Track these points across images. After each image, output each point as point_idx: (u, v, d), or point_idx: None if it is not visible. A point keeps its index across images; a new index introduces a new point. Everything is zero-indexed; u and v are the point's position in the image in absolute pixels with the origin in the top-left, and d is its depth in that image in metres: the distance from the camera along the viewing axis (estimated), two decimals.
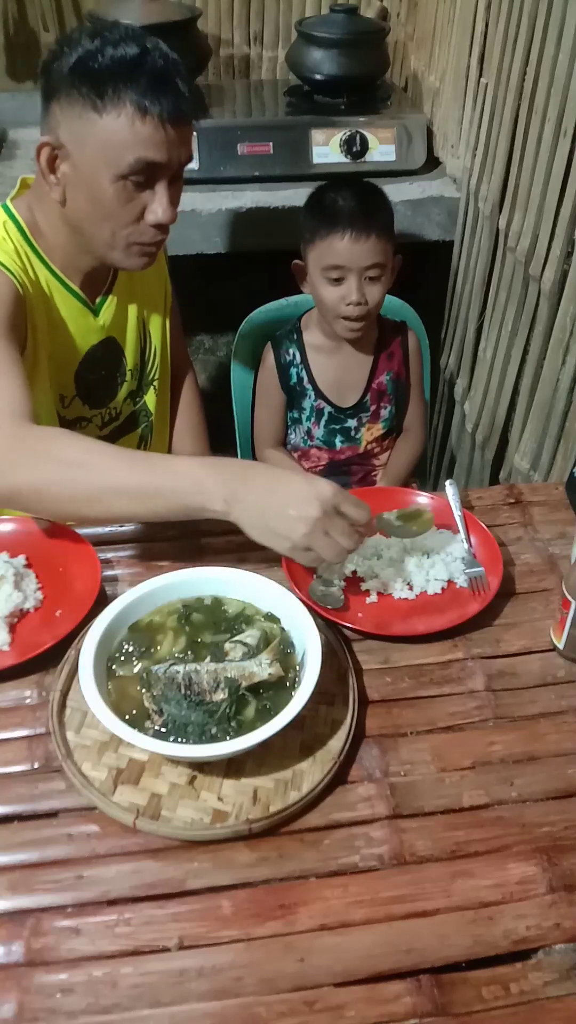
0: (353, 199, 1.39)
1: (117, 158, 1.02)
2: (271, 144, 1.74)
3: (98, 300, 1.24)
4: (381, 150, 1.78)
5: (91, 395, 1.28)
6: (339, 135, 1.74)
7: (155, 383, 1.38)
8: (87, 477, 0.88)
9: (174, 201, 1.10)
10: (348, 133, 1.74)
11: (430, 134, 1.86)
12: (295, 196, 1.67)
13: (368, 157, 1.77)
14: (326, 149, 1.76)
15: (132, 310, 1.30)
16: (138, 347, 1.33)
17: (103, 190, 1.05)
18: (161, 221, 1.08)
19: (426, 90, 1.95)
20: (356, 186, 1.43)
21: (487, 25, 1.56)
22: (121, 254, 1.13)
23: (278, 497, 0.86)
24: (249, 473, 0.89)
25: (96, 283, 1.23)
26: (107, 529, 1.10)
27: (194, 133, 1.11)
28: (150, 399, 1.39)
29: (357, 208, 1.38)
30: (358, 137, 1.74)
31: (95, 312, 1.24)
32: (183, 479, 0.88)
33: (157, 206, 1.07)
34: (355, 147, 1.75)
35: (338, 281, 1.40)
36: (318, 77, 1.82)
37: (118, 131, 1.01)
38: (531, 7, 1.36)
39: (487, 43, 1.57)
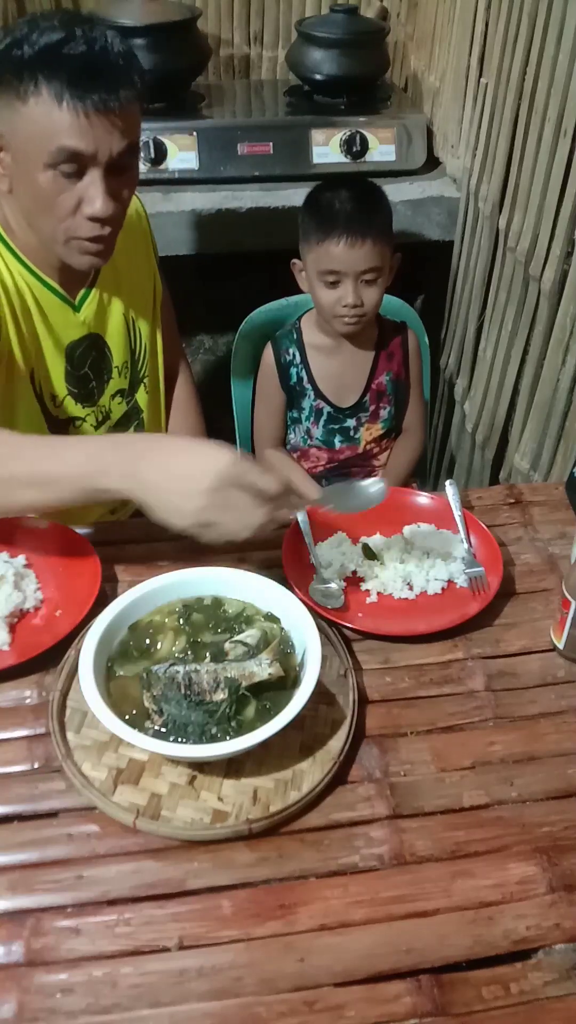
0: (350, 201, 1.39)
1: (41, 147, 0.99)
2: (271, 144, 1.74)
3: (80, 294, 1.22)
4: (381, 150, 1.78)
5: (80, 394, 1.26)
6: (339, 135, 1.74)
7: (145, 381, 1.36)
8: None
9: (115, 193, 1.04)
10: (348, 133, 1.74)
11: (430, 134, 1.86)
12: (295, 196, 1.67)
13: (368, 157, 1.77)
14: (326, 149, 1.76)
15: (117, 305, 1.27)
16: (126, 343, 1.30)
17: (37, 181, 1.02)
18: (96, 214, 1.03)
19: (426, 90, 1.95)
20: (353, 187, 1.43)
21: (487, 25, 1.56)
22: (65, 249, 1.09)
23: (175, 470, 0.83)
24: (149, 448, 0.86)
25: (76, 277, 1.20)
26: (107, 529, 1.09)
27: (139, 122, 1.05)
28: (141, 397, 1.37)
29: (353, 211, 1.37)
30: (358, 137, 1.74)
31: (75, 307, 1.21)
32: (82, 461, 0.86)
33: (93, 198, 1.03)
34: (355, 147, 1.75)
35: (334, 284, 1.40)
36: (318, 77, 1.81)
37: (38, 119, 0.98)
38: (531, 7, 1.36)
39: (487, 43, 1.57)
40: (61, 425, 1.26)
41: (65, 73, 0.96)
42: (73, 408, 1.26)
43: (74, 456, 0.87)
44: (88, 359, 1.26)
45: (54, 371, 1.22)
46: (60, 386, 1.23)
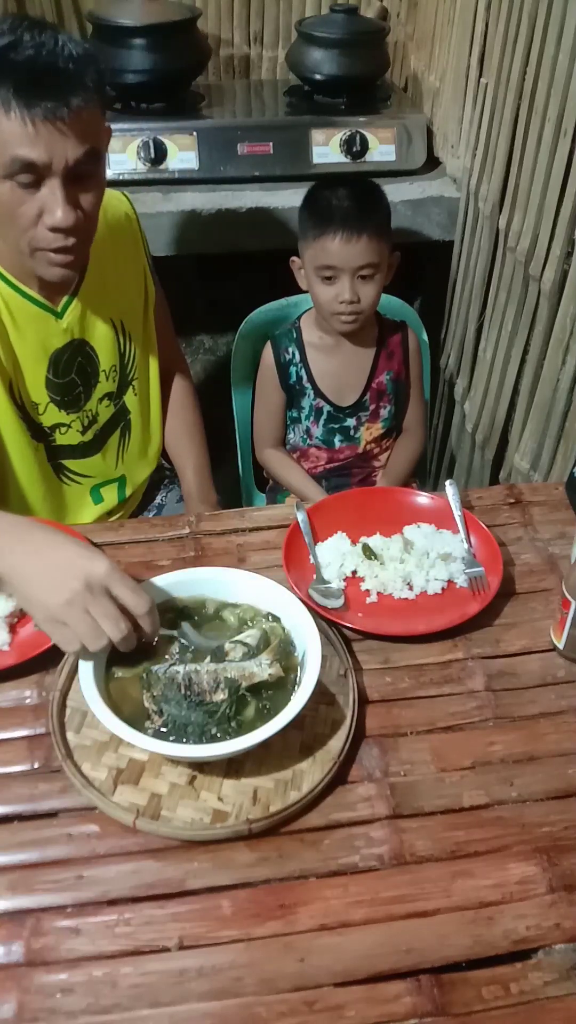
0: (347, 198, 1.39)
1: None
2: (271, 144, 1.74)
3: (62, 302, 1.19)
4: (381, 150, 1.78)
5: (63, 400, 1.24)
6: (339, 135, 1.74)
7: (135, 383, 1.35)
8: None
9: (75, 203, 1.01)
10: (348, 133, 1.74)
11: (430, 134, 1.86)
12: (295, 196, 1.66)
13: (368, 157, 1.77)
14: (326, 149, 1.76)
15: (104, 308, 1.25)
16: (114, 347, 1.28)
17: None
18: (57, 224, 1.00)
19: (426, 90, 1.95)
20: (350, 185, 1.43)
21: (487, 25, 1.56)
22: (32, 261, 1.07)
23: (44, 561, 0.80)
24: (26, 532, 0.84)
25: (57, 286, 1.17)
26: (107, 529, 1.09)
27: (102, 125, 1.03)
28: (129, 399, 1.35)
29: (349, 208, 1.38)
30: (358, 137, 1.74)
31: (58, 315, 1.19)
32: None
33: (52, 208, 1.00)
34: (355, 147, 1.75)
35: (331, 280, 1.41)
36: (318, 77, 1.81)
37: None
38: (531, 7, 1.36)
39: (487, 43, 1.57)
40: (44, 433, 1.24)
41: (11, 81, 0.93)
42: (56, 415, 1.24)
43: None
44: (74, 365, 1.24)
45: (34, 380, 1.20)
46: (41, 394, 1.22)
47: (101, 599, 0.79)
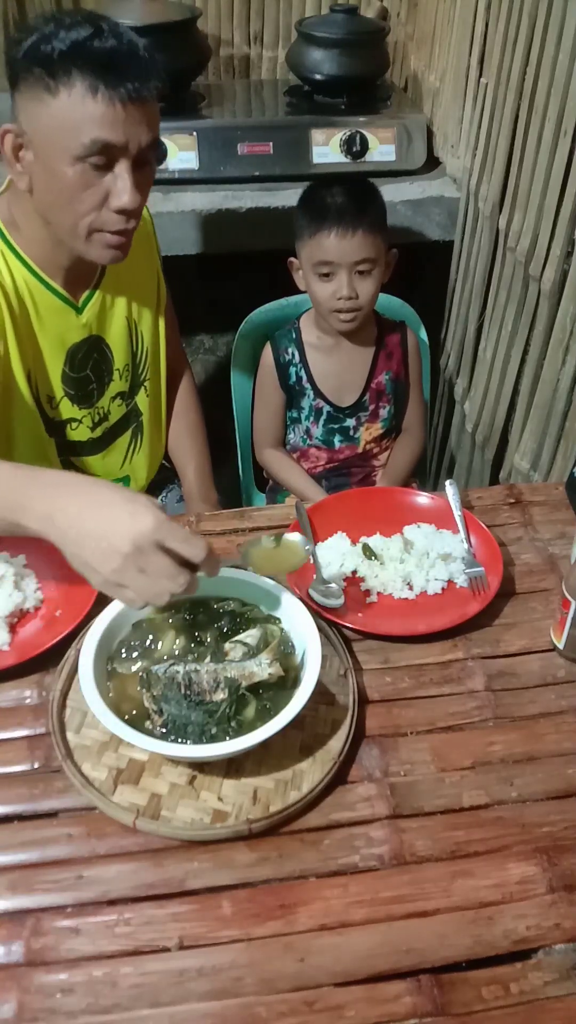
0: (341, 195, 1.40)
1: (72, 139, 1.00)
2: (271, 144, 1.74)
3: (83, 296, 1.22)
4: (381, 150, 1.78)
5: (77, 395, 1.26)
6: (339, 135, 1.74)
7: (146, 384, 1.37)
8: None
9: (140, 186, 1.05)
10: (348, 133, 1.74)
11: (430, 134, 1.86)
12: (295, 196, 1.66)
13: (368, 157, 1.77)
14: (326, 149, 1.76)
15: (120, 307, 1.28)
16: (128, 346, 1.31)
17: (63, 175, 1.02)
18: (125, 206, 1.04)
19: (426, 90, 1.94)
20: (346, 183, 1.44)
21: (487, 25, 1.56)
22: (86, 245, 1.09)
23: (93, 524, 0.77)
24: (70, 491, 0.81)
25: (80, 279, 1.20)
26: None
27: (159, 115, 1.06)
28: (141, 400, 1.37)
29: (344, 204, 1.39)
30: (358, 137, 1.74)
31: (78, 310, 1.21)
32: (5, 493, 0.81)
33: (122, 190, 1.04)
34: (355, 147, 1.75)
35: (328, 276, 1.41)
36: (318, 77, 1.81)
37: (70, 111, 0.98)
38: (531, 7, 1.36)
39: (487, 43, 1.57)
40: (57, 426, 1.26)
41: (99, 64, 0.97)
42: (69, 410, 1.26)
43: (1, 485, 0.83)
44: (89, 361, 1.26)
45: (52, 372, 1.22)
46: (57, 387, 1.23)
47: (154, 557, 0.76)
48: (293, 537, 0.95)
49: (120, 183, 1.03)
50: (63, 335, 1.21)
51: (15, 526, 0.81)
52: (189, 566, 0.78)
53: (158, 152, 1.11)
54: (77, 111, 0.98)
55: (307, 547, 0.94)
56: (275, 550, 0.93)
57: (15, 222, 1.13)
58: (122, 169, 1.03)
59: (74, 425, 1.28)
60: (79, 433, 1.29)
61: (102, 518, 0.77)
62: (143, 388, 1.36)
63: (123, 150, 1.02)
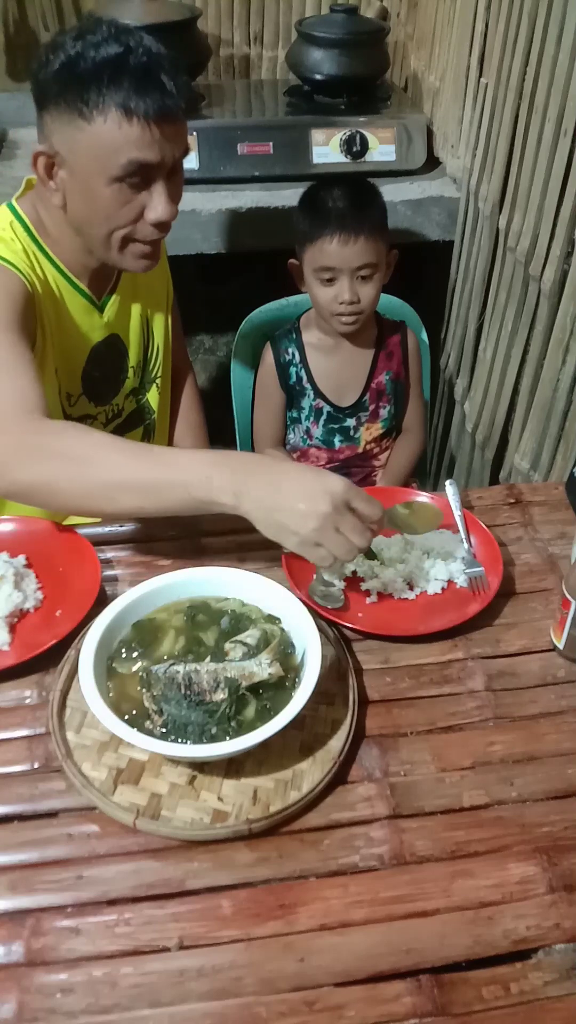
0: (343, 199, 1.40)
1: (109, 162, 1.01)
2: (271, 144, 1.74)
3: (103, 298, 1.25)
4: (381, 150, 1.78)
5: (95, 392, 1.28)
6: (339, 135, 1.74)
7: (157, 381, 1.39)
8: (95, 472, 0.88)
9: (173, 197, 1.09)
10: (348, 133, 1.74)
11: (430, 134, 1.86)
12: (295, 196, 1.66)
13: (368, 157, 1.77)
14: (326, 149, 1.76)
15: (135, 308, 1.31)
16: (141, 344, 1.33)
17: (100, 194, 1.04)
18: (162, 219, 1.08)
19: (426, 90, 1.95)
20: (346, 185, 1.43)
21: (487, 25, 1.56)
22: (120, 255, 1.12)
23: (287, 491, 0.84)
24: (257, 466, 0.87)
25: (102, 281, 1.23)
26: (107, 529, 1.09)
27: (188, 126, 1.09)
28: (152, 397, 1.39)
29: (346, 208, 1.38)
30: (358, 137, 1.74)
31: (100, 310, 1.24)
32: (191, 473, 0.86)
33: (157, 204, 1.07)
34: (355, 147, 1.75)
35: (330, 281, 1.41)
36: (318, 77, 1.81)
37: (106, 135, 1.00)
38: (531, 7, 1.36)
39: (487, 43, 1.57)
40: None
41: (131, 88, 0.98)
42: (85, 407, 1.28)
43: (188, 464, 0.87)
44: (108, 359, 1.28)
45: (74, 370, 1.24)
46: (76, 385, 1.25)
47: (347, 515, 0.84)
48: (422, 499, 1.05)
49: (156, 198, 1.06)
50: (87, 334, 1.23)
51: (204, 502, 0.86)
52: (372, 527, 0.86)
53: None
54: (113, 135, 1.00)
55: (436, 511, 1.03)
56: (410, 515, 1.01)
57: (43, 225, 1.14)
58: (159, 185, 1.06)
59: (88, 421, 1.30)
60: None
61: (298, 484, 0.84)
62: (155, 385, 1.38)
63: (159, 168, 1.04)
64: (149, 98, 0.99)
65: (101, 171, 1.02)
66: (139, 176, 1.04)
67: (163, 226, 1.10)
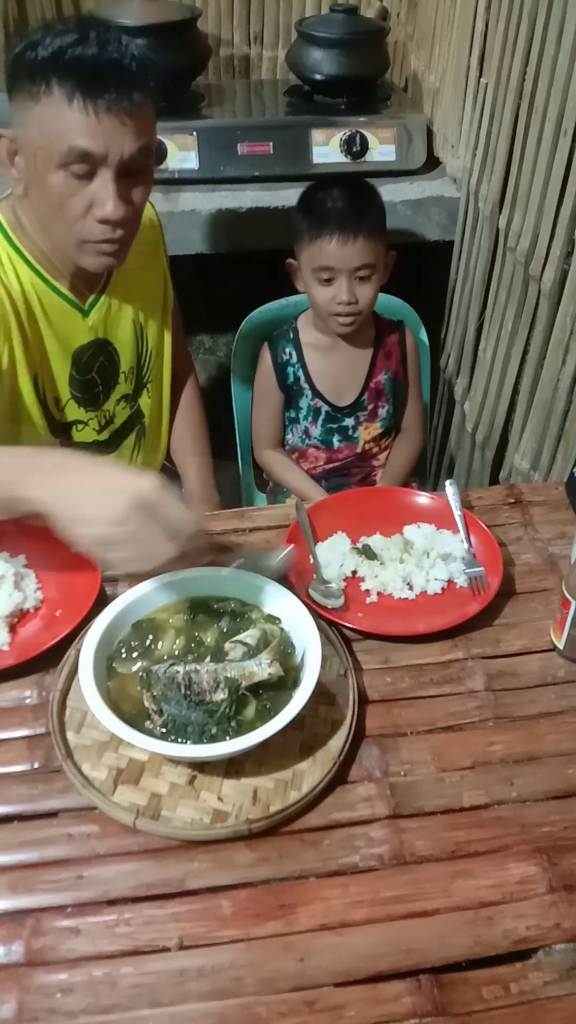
0: (341, 199, 1.39)
1: (52, 148, 1.00)
2: (271, 144, 1.74)
3: (90, 300, 1.22)
4: (381, 150, 1.78)
5: (84, 397, 1.26)
6: (339, 135, 1.74)
7: (149, 386, 1.37)
8: None
9: (125, 197, 1.04)
10: (348, 133, 1.74)
11: (430, 134, 1.86)
12: (295, 196, 1.66)
13: (368, 157, 1.77)
14: (326, 149, 1.76)
15: (127, 311, 1.28)
16: (134, 349, 1.31)
17: (48, 182, 1.02)
18: (106, 216, 1.03)
19: (426, 90, 1.94)
20: (345, 186, 1.43)
21: (487, 25, 1.56)
22: (77, 253, 1.09)
23: (93, 483, 0.81)
24: (70, 460, 0.84)
25: (87, 282, 1.21)
26: None
27: (156, 125, 1.06)
28: (143, 402, 1.37)
29: (345, 209, 1.38)
30: (358, 137, 1.74)
31: (84, 313, 1.22)
32: (5, 470, 0.83)
33: (103, 200, 1.03)
34: (355, 147, 1.75)
35: (328, 282, 1.41)
36: (318, 77, 1.81)
37: (49, 118, 0.98)
38: (531, 7, 1.36)
39: (487, 43, 1.57)
40: (63, 428, 1.26)
41: (76, 73, 0.96)
42: (75, 412, 1.27)
43: None
44: (95, 364, 1.26)
45: (59, 375, 1.22)
46: (64, 390, 1.24)
47: (148, 521, 0.78)
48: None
49: (102, 193, 1.03)
50: (69, 338, 1.21)
51: (12, 501, 0.82)
52: (179, 539, 0.79)
53: (152, 159, 1.09)
54: (55, 119, 0.98)
55: (285, 552, 0.96)
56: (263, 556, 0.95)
57: (21, 225, 1.13)
58: (104, 179, 1.02)
59: (80, 427, 1.28)
60: (85, 435, 1.29)
61: (105, 480, 0.80)
62: (146, 390, 1.37)
63: (103, 159, 1.01)
64: (94, 86, 0.96)
65: (48, 157, 1.00)
66: (83, 166, 1.01)
67: (112, 224, 1.05)
